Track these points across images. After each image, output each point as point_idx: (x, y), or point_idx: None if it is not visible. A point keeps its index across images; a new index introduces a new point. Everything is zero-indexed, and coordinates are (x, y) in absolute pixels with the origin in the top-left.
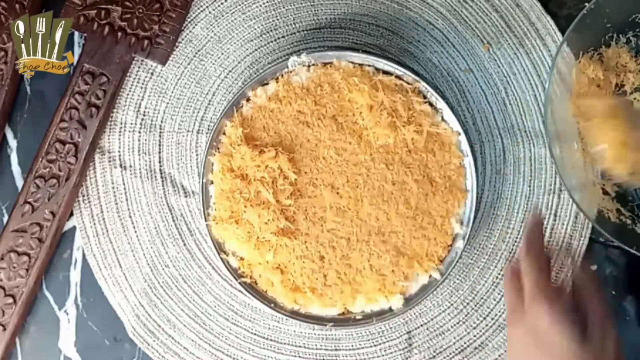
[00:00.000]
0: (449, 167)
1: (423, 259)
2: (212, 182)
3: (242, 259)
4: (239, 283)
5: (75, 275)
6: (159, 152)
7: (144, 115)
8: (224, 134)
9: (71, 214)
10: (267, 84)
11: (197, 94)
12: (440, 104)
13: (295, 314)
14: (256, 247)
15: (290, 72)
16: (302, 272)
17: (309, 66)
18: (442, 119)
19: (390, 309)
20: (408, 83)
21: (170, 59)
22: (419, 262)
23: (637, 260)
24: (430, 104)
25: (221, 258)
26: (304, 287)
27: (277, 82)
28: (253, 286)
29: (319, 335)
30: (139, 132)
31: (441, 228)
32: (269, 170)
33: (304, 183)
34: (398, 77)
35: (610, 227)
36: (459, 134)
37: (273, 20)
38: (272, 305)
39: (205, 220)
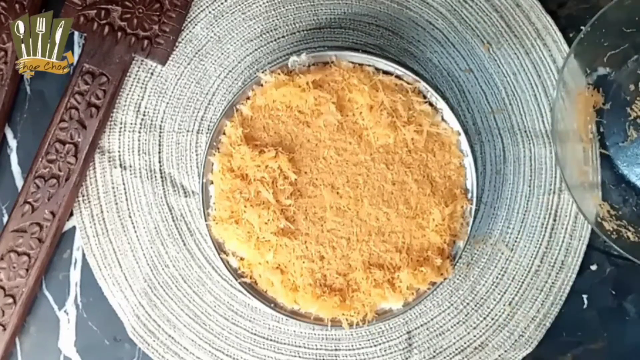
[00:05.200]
0: (449, 167)
1: None
2: (212, 182)
3: (242, 259)
4: (239, 283)
5: (75, 275)
6: (159, 152)
7: (144, 115)
8: (224, 134)
9: (71, 214)
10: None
11: (197, 94)
12: (440, 104)
13: (295, 314)
14: (256, 247)
15: (291, 72)
16: (302, 272)
17: (309, 66)
18: (442, 119)
19: (390, 309)
20: (408, 83)
21: (170, 59)
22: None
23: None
24: (430, 104)
25: (221, 258)
26: (304, 287)
27: None
28: (253, 286)
29: (319, 335)
30: (139, 132)
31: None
32: (269, 170)
33: (304, 183)
34: (398, 77)
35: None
36: (459, 134)
37: (273, 20)
38: (272, 305)
39: (205, 220)
